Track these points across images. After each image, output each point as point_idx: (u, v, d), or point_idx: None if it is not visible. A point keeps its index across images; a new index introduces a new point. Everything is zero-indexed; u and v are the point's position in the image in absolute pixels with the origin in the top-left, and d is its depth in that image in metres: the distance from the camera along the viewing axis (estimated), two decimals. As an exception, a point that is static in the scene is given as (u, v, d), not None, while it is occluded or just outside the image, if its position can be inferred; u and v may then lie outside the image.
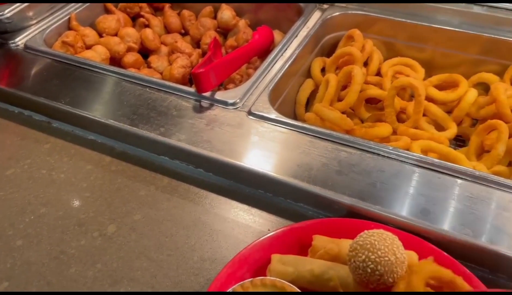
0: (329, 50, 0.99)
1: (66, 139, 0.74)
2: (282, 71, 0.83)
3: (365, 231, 0.49)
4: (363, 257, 0.46)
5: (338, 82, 0.87)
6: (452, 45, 0.91)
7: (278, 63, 0.85)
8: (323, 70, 0.95)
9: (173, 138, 0.68)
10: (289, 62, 0.85)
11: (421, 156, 0.63)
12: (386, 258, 0.46)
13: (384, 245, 0.47)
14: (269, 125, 0.70)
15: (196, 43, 1.09)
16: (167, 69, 0.97)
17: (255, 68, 0.96)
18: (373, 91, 0.86)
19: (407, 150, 0.71)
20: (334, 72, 0.92)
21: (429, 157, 0.62)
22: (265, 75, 0.82)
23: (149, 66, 1.03)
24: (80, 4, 1.03)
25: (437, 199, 0.57)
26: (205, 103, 0.75)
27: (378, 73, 0.93)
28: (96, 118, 0.72)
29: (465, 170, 0.60)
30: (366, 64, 0.94)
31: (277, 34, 1.02)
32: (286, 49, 0.88)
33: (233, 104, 0.74)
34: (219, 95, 0.76)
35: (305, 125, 0.69)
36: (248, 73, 0.97)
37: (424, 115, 0.82)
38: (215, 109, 0.74)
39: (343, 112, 0.85)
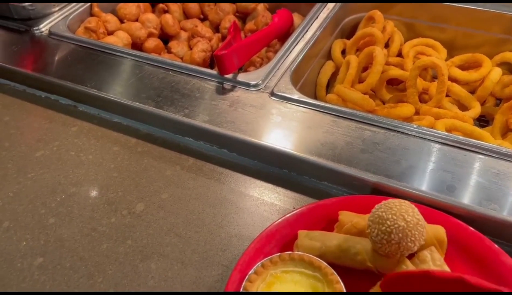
0: (349, 32, 0.98)
1: (92, 122, 0.76)
2: (303, 54, 0.83)
3: (376, 206, 0.49)
4: (376, 231, 0.47)
5: (359, 64, 0.87)
6: (474, 24, 0.90)
7: (299, 45, 0.85)
8: (343, 52, 0.94)
9: (197, 120, 0.69)
10: (310, 44, 0.85)
11: (446, 133, 0.62)
12: (396, 225, 0.46)
13: (391, 213, 0.47)
14: (291, 105, 0.71)
15: (216, 28, 1.09)
16: (188, 54, 0.98)
17: (275, 52, 0.97)
18: (395, 72, 0.86)
19: (431, 128, 0.71)
20: (354, 54, 0.92)
21: (454, 135, 0.62)
22: (286, 58, 0.82)
23: (169, 52, 1.03)
24: (101, -10, 1.04)
25: (463, 175, 0.57)
26: (227, 85, 0.75)
27: (399, 55, 0.93)
28: (122, 101, 0.74)
29: (491, 146, 0.60)
30: (387, 45, 0.93)
31: (296, 17, 1.02)
32: (306, 31, 0.88)
33: (255, 85, 0.74)
34: (241, 77, 0.76)
35: (328, 105, 0.70)
36: (268, 56, 0.97)
37: (447, 95, 0.82)
38: (237, 91, 0.74)
39: (364, 94, 0.86)
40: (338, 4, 0.95)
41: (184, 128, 0.70)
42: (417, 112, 0.80)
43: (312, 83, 0.91)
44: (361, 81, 0.89)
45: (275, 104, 0.71)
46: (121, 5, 1.03)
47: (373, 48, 0.84)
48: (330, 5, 0.95)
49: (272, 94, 0.73)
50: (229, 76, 0.76)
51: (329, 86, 0.93)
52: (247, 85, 0.75)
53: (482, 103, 0.83)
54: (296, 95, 0.72)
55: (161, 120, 0.72)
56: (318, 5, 0.95)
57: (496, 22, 0.88)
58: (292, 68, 0.79)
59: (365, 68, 0.90)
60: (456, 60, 0.89)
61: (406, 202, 0.49)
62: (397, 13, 0.95)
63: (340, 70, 0.90)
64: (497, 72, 0.79)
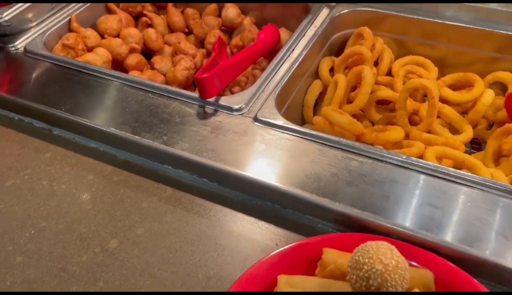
0: (337, 49, 0.95)
1: (67, 148, 0.72)
2: (289, 73, 0.80)
3: (355, 249, 0.47)
4: (354, 277, 0.45)
5: (347, 83, 0.84)
6: (465, 42, 0.87)
7: (285, 64, 0.82)
8: (331, 70, 0.91)
9: (176, 147, 0.65)
10: (297, 63, 0.82)
11: (436, 165, 0.60)
12: (374, 270, 0.44)
13: (368, 256, 0.44)
14: (275, 132, 0.67)
15: (201, 43, 1.06)
16: (171, 71, 0.95)
17: (261, 69, 0.94)
18: (384, 93, 0.83)
19: (421, 156, 0.69)
20: (343, 72, 0.89)
21: (445, 166, 0.59)
22: (272, 78, 0.79)
23: (152, 67, 1.00)
24: (81, 4, 1.00)
25: (453, 212, 0.54)
26: (209, 109, 0.72)
27: (389, 73, 0.90)
28: (97, 127, 0.70)
29: (483, 180, 0.57)
30: (376, 63, 0.90)
31: (283, 32, 0.98)
32: (293, 49, 0.85)
33: (238, 110, 0.71)
34: (224, 100, 0.73)
35: (313, 132, 0.67)
36: (254, 74, 0.94)
37: (437, 117, 0.79)
38: (219, 115, 0.71)
39: (353, 115, 0.83)
40: (327, 20, 0.92)
41: (162, 156, 0.67)
42: (407, 136, 0.77)
43: (300, 103, 0.88)
44: (349, 101, 0.86)
45: (259, 131, 0.68)
46: (101, 19, 0.99)
47: (362, 68, 0.81)
48: (318, 21, 0.92)
49: (256, 119, 0.69)
50: (212, 99, 0.73)
51: (317, 105, 0.90)
52: (230, 109, 0.71)
53: (474, 126, 0.80)
54: (281, 121, 0.69)
55: (138, 148, 0.68)
56: (305, 21, 0.91)
57: (487, 40, 0.85)
58: (277, 91, 0.75)
59: (354, 88, 0.87)
60: (447, 79, 0.86)
61: (385, 243, 0.46)
62: (387, 29, 0.92)
63: (328, 89, 0.87)
64: (489, 95, 0.76)
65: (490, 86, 0.85)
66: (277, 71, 0.80)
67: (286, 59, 0.83)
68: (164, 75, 0.98)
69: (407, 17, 0.90)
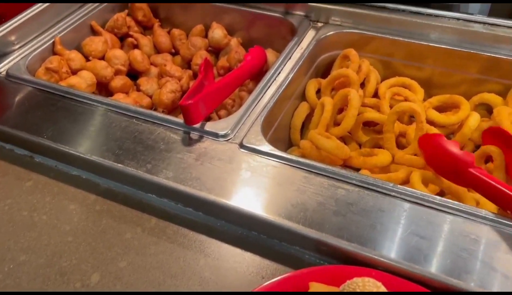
0: (324, 70, 0.95)
1: (49, 176, 0.71)
2: (276, 96, 0.79)
3: (341, 286, 0.46)
4: None
5: (334, 106, 0.83)
6: (451, 64, 0.88)
7: (272, 87, 0.81)
8: (318, 92, 0.91)
9: (160, 176, 0.64)
10: (283, 85, 0.82)
11: (423, 193, 0.59)
12: None
13: None
14: (261, 159, 0.67)
15: (187, 63, 1.05)
16: (157, 93, 0.94)
17: (248, 91, 0.93)
18: (371, 115, 0.83)
19: (407, 181, 0.68)
20: (330, 94, 0.89)
21: (431, 194, 0.59)
22: (258, 102, 0.78)
23: (138, 89, 0.99)
24: (66, 26, 0.99)
25: (441, 243, 0.53)
26: (194, 135, 0.71)
27: (376, 94, 0.90)
28: (79, 154, 0.69)
29: (469, 208, 0.56)
30: (363, 85, 0.90)
31: (270, 54, 0.98)
32: (279, 72, 0.85)
33: (224, 136, 0.70)
34: (210, 126, 0.72)
35: (299, 159, 0.66)
36: (241, 96, 0.93)
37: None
38: (205, 141, 0.70)
39: (340, 137, 0.82)
40: (313, 42, 0.91)
41: (146, 185, 0.65)
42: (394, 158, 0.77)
43: (287, 125, 0.88)
44: (337, 123, 0.86)
45: (244, 157, 0.67)
46: (86, 41, 0.98)
47: (348, 91, 0.81)
48: (305, 43, 0.92)
49: (241, 146, 0.69)
50: (197, 125, 0.72)
51: (305, 127, 0.90)
52: (216, 135, 0.70)
53: (462, 148, 0.80)
54: (267, 147, 0.68)
55: (122, 176, 0.67)
56: (292, 43, 0.91)
57: (472, 62, 0.85)
58: (263, 115, 0.75)
59: (340, 110, 0.87)
60: (434, 101, 0.87)
61: (371, 280, 0.45)
62: (373, 51, 0.93)
63: (315, 112, 0.86)
64: (475, 119, 0.76)
65: (476, 107, 0.85)
66: (263, 94, 0.80)
67: (272, 81, 0.83)
68: (150, 97, 0.97)
69: (392, 39, 0.90)
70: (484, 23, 0.86)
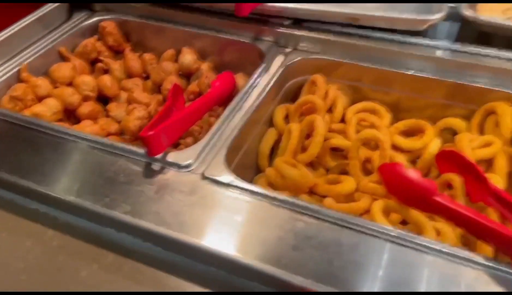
0: (293, 96, 0.95)
1: (6, 209, 0.69)
2: (242, 123, 0.79)
3: None
4: None
5: (301, 132, 0.84)
6: (417, 89, 0.88)
7: (238, 114, 0.81)
8: (287, 117, 0.91)
9: (117, 210, 0.63)
10: (250, 112, 0.82)
11: (383, 227, 0.59)
12: None
13: None
14: (223, 190, 0.66)
15: (158, 88, 1.05)
16: (125, 120, 0.93)
17: (217, 116, 0.92)
18: (337, 142, 0.83)
19: (367, 211, 0.68)
20: (298, 120, 0.89)
21: (391, 228, 0.58)
22: (224, 129, 0.78)
23: (107, 115, 0.98)
24: (33, 52, 0.99)
25: (401, 279, 0.53)
26: (156, 166, 0.70)
27: (344, 119, 0.90)
28: (36, 188, 0.67)
29: (429, 243, 0.56)
30: (331, 110, 0.91)
31: (240, 78, 0.98)
32: (247, 98, 0.85)
33: (186, 166, 0.70)
34: (172, 156, 0.71)
35: (261, 190, 0.65)
36: (210, 122, 0.92)
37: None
38: (167, 172, 0.69)
39: (309, 162, 0.82)
40: (281, 68, 0.92)
41: (104, 219, 0.64)
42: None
43: (255, 152, 0.87)
44: (305, 148, 0.85)
45: (206, 189, 0.66)
46: (54, 67, 0.97)
47: (314, 118, 0.81)
48: (273, 68, 0.92)
49: (204, 177, 0.68)
50: (159, 155, 0.71)
51: (274, 153, 0.89)
52: (178, 166, 0.70)
53: (426, 174, 0.80)
54: (229, 178, 0.67)
55: (80, 210, 0.66)
56: (260, 68, 0.91)
57: (437, 87, 0.86)
58: (228, 144, 0.74)
59: (309, 135, 0.87)
60: (400, 126, 0.87)
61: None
62: (341, 76, 0.93)
63: (282, 138, 0.86)
64: (435, 144, 0.77)
65: (441, 132, 0.86)
66: (230, 120, 0.79)
67: (239, 108, 0.82)
68: (119, 122, 0.96)
69: (360, 65, 0.91)
70: (450, 49, 0.87)
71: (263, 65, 0.92)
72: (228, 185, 0.66)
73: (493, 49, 0.85)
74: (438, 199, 0.60)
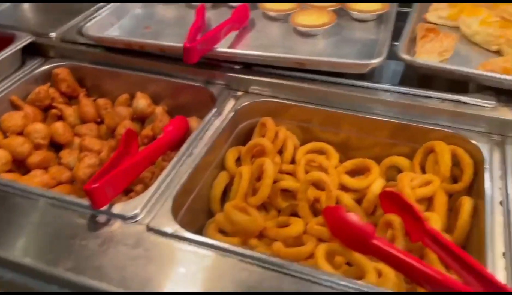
0: (245, 138, 0.97)
1: None
2: (192, 167, 0.80)
3: None
4: None
5: (251, 175, 0.85)
6: (364, 129, 0.92)
7: (189, 158, 0.82)
8: (239, 160, 0.93)
9: (60, 267, 0.62)
10: (201, 156, 0.83)
11: (324, 272, 0.60)
12: None
13: None
14: (168, 241, 0.66)
15: (113, 132, 1.05)
16: (75, 168, 0.92)
17: (170, 160, 0.93)
18: (286, 183, 0.85)
19: (312, 255, 0.69)
20: (249, 162, 0.90)
21: (332, 273, 0.60)
22: (174, 175, 0.78)
23: (59, 163, 0.97)
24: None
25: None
26: (102, 218, 0.70)
27: (294, 160, 0.92)
28: (-23, 248, 0.66)
29: (368, 287, 0.58)
30: (282, 151, 0.93)
31: (194, 121, 1.00)
32: (198, 142, 0.86)
33: (132, 217, 0.70)
34: (118, 207, 0.71)
35: (206, 240, 0.66)
36: (163, 166, 0.93)
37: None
38: (112, 224, 0.69)
39: (261, 203, 0.83)
40: (232, 111, 0.94)
41: (46, 276, 0.63)
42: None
43: (207, 195, 0.88)
44: (256, 190, 0.87)
45: (151, 241, 0.66)
46: (4, 117, 0.97)
47: (263, 161, 0.83)
48: (225, 111, 0.94)
49: (149, 228, 0.68)
50: (105, 207, 0.71)
51: (226, 196, 0.90)
52: (123, 217, 0.70)
53: (373, 212, 0.83)
54: (174, 228, 0.68)
55: (22, 268, 0.64)
56: (212, 112, 0.93)
57: (382, 128, 0.90)
58: (176, 191, 0.75)
59: (260, 177, 0.89)
60: (347, 165, 0.90)
61: None
62: (291, 117, 0.96)
63: (234, 181, 0.87)
64: (378, 184, 0.79)
65: (387, 170, 0.89)
66: (181, 165, 0.80)
67: (190, 152, 0.83)
68: (71, 169, 0.96)
69: (309, 107, 0.93)
70: (393, 91, 0.90)
71: (214, 109, 0.94)
72: (173, 236, 0.67)
73: (432, 90, 0.89)
74: (375, 242, 0.62)
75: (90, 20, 1.14)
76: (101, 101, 1.08)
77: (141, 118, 1.06)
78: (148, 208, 0.71)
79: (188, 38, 0.90)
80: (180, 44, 0.96)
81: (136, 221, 0.69)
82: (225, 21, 1.01)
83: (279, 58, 0.95)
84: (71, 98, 1.11)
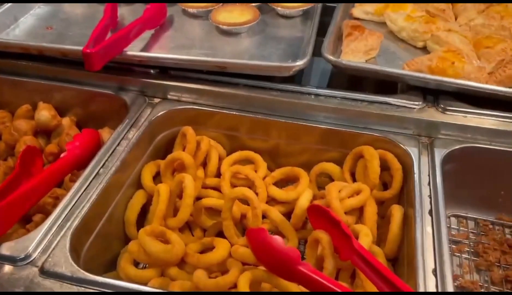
0: (164, 150, 0.88)
1: None
2: (100, 189, 0.71)
3: None
4: None
5: (171, 193, 0.77)
6: (292, 135, 0.86)
7: (97, 179, 0.72)
8: (158, 175, 0.84)
9: None
10: (110, 174, 0.73)
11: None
12: None
13: None
14: (65, 286, 0.56)
15: (13, 150, 0.92)
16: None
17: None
18: (209, 201, 0.78)
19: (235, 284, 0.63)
20: (170, 178, 0.82)
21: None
22: (78, 200, 0.68)
23: None
24: None
25: None
26: (-13, 261, 0.59)
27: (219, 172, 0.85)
28: None
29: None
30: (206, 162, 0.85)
31: (107, 133, 0.89)
32: (109, 158, 0.76)
33: (23, 259, 0.59)
34: (8, 247, 0.60)
35: (111, 281, 0.57)
36: (68, 187, 0.82)
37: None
38: (1, 269, 0.58)
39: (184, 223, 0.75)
40: (149, 119, 0.84)
41: None
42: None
43: (121, 219, 0.78)
44: (177, 210, 0.78)
45: (45, 286, 0.56)
46: None
47: (183, 177, 0.75)
48: (140, 121, 0.84)
49: (43, 271, 0.58)
50: (-10, 248, 0.60)
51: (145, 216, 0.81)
52: (13, 260, 0.59)
53: (303, 226, 0.77)
54: (72, 270, 0.58)
55: None
56: (125, 121, 0.83)
57: (310, 133, 0.85)
58: (76, 222, 0.65)
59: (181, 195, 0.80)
60: (276, 175, 0.84)
61: None
62: (216, 125, 0.88)
63: (153, 200, 0.78)
64: (305, 198, 0.74)
65: (317, 177, 0.84)
66: (86, 188, 0.70)
67: (98, 171, 0.73)
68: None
69: (234, 114, 0.86)
70: (321, 95, 0.85)
71: (127, 119, 0.84)
72: (72, 279, 0.57)
73: (360, 92, 0.84)
74: (302, 268, 0.56)
75: (-19, 20, 0.99)
76: (-2, 114, 0.94)
77: (45, 132, 0.94)
78: (44, 245, 0.61)
79: (89, 42, 0.79)
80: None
81: (28, 263, 0.59)
82: (136, 20, 0.91)
83: (199, 61, 0.87)
84: (-38, 112, 0.96)
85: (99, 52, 0.78)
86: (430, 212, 0.65)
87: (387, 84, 0.90)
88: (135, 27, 0.88)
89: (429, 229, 0.64)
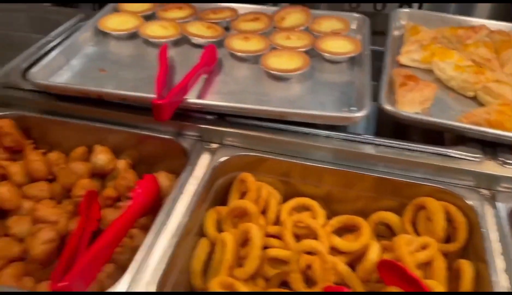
0: (223, 196, 0.89)
1: None
2: (176, 239, 0.71)
3: None
4: None
5: (236, 243, 0.77)
6: (345, 182, 0.87)
7: (167, 228, 0.73)
8: (219, 221, 0.84)
9: None
10: (180, 223, 0.74)
11: None
12: None
13: None
14: None
15: (68, 192, 0.92)
16: (29, 244, 0.79)
17: (141, 227, 0.82)
18: (274, 253, 0.78)
19: None
20: (231, 226, 0.83)
21: None
22: (150, 255, 0.69)
23: (6, 233, 0.83)
24: None
25: None
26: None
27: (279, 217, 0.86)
28: None
29: None
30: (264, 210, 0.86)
31: (163, 177, 0.90)
32: (173, 207, 0.77)
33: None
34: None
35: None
36: (132, 235, 0.82)
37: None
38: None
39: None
40: (209, 166, 0.85)
41: None
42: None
43: (185, 269, 0.78)
44: (242, 258, 0.78)
45: None
46: None
47: (249, 227, 0.76)
48: (200, 168, 0.85)
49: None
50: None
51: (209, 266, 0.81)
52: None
53: (368, 279, 0.78)
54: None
55: None
56: (185, 173, 0.83)
57: (364, 181, 0.86)
58: (161, 273, 0.65)
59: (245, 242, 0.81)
60: (334, 223, 0.84)
61: None
62: (269, 171, 0.89)
63: (216, 249, 0.79)
64: (374, 251, 0.74)
65: (376, 226, 0.85)
66: (157, 240, 0.71)
67: (166, 225, 0.74)
68: (22, 240, 0.82)
69: (287, 160, 0.87)
70: (373, 143, 0.87)
71: (189, 166, 0.85)
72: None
73: (418, 143, 0.86)
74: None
75: (36, 62, 1.00)
76: (53, 155, 0.95)
77: (100, 175, 0.94)
78: (126, 300, 0.61)
79: (158, 93, 0.81)
80: (146, 95, 0.87)
81: (114, 321, 0.59)
82: (195, 66, 0.93)
83: (259, 110, 0.88)
84: (15, 153, 0.97)
85: (169, 103, 0.79)
86: (506, 271, 0.66)
87: (432, 133, 0.92)
88: (195, 74, 0.90)
89: (505, 288, 0.64)
